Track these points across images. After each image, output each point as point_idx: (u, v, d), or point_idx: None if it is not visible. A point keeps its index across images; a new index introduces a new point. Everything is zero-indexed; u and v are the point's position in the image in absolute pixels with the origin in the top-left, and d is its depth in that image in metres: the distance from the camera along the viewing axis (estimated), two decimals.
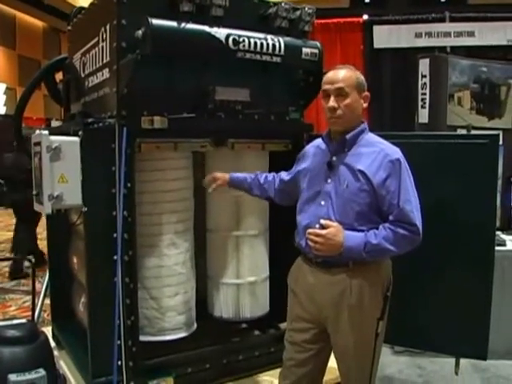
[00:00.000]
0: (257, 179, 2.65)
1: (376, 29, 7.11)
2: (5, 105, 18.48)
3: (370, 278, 2.20)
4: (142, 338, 2.83)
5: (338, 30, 7.20)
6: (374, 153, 2.17)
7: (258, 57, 2.80)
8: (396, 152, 2.19)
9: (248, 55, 2.77)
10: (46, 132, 2.61)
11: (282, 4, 2.97)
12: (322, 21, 6.84)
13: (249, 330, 3.35)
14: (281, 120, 3.12)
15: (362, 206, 2.13)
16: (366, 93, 2.27)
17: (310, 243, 2.16)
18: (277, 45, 2.86)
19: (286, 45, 2.90)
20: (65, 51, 3.79)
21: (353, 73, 2.23)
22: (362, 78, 2.25)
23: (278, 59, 2.88)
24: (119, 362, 2.63)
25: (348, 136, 2.21)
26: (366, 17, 7.28)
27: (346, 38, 7.23)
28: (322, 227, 2.14)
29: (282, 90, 3.14)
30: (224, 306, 3.24)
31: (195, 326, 3.17)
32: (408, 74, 6.77)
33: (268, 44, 2.83)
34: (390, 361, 3.98)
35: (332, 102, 2.19)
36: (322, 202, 2.21)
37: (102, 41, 2.83)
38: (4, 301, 5.52)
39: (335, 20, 7.17)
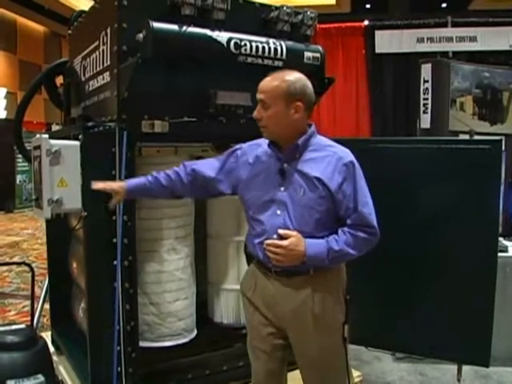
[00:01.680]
0: (157, 182, 2.35)
1: (378, 34, 7.12)
2: (5, 109, 18.51)
3: (330, 283, 2.17)
4: (142, 344, 2.81)
5: (339, 34, 7.22)
6: (328, 157, 2.10)
7: (259, 61, 2.79)
8: (348, 154, 2.12)
9: (250, 59, 2.76)
10: (46, 136, 2.59)
11: (284, 8, 2.96)
12: (324, 25, 6.85)
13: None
14: None
15: (320, 213, 2.07)
16: (298, 103, 2.09)
17: (269, 254, 2.07)
18: (279, 49, 2.85)
19: (287, 49, 2.89)
20: (65, 56, 3.78)
21: (282, 82, 2.08)
22: (295, 86, 2.09)
23: (280, 63, 2.86)
24: (119, 369, 2.60)
25: (300, 141, 2.11)
26: (367, 22, 7.29)
27: (347, 43, 7.25)
28: (281, 238, 2.07)
29: None
30: (225, 312, 3.22)
31: (195, 331, 3.15)
32: (410, 79, 6.79)
33: (270, 48, 2.82)
34: (391, 367, 3.96)
35: (254, 112, 2.16)
36: (278, 212, 2.11)
37: (103, 44, 2.82)
38: (3, 305, 5.50)
39: (337, 25, 7.18)
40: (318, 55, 3.03)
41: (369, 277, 3.16)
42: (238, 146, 2.34)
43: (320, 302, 2.13)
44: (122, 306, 2.61)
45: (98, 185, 2.34)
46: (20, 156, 10.35)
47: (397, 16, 7.92)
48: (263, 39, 2.82)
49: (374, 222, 2.10)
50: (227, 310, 3.22)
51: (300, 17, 3.03)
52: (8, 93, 18.93)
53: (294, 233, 2.05)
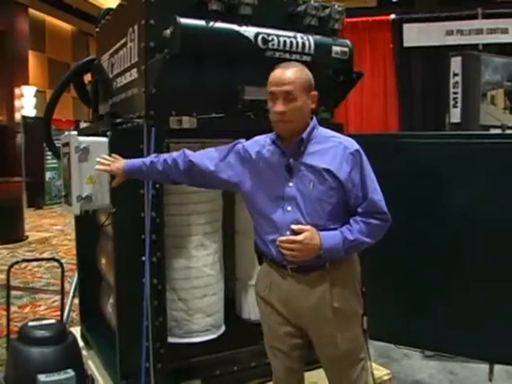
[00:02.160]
0: (154, 167, 2.37)
1: (406, 27, 7.02)
2: (35, 107, 18.80)
3: (346, 275, 2.15)
4: (170, 340, 2.82)
5: (366, 28, 7.14)
6: (333, 147, 2.08)
7: (287, 55, 2.76)
8: (353, 143, 2.11)
9: (277, 54, 2.74)
10: (75, 133, 2.61)
11: (312, 2, 2.93)
12: (351, 19, 6.77)
13: None
14: None
15: (332, 205, 2.04)
16: (314, 92, 2.11)
17: (284, 251, 2.04)
18: (306, 43, 2.82)
19: (315, 43, 2.86)
20: (93, 54, 3.81)
21: (302, 72, 2.09)
22: (309, 76, 2.11)
23: (308, 58, 2.83)
24: (147, 364, 2.61)
25: (304, 135, 2.09)
26: (394, 15, 7.19)
27: (375, 37, 7.16)
28: (295, 233, 2.03)
29: None
30: (252, 308, 3.21)
31: (223, 327, 3.15)
32: (439, 73, 6.68)
33: (297, 42, 2.79)
34: (420, 365, 3.91)
35: (280, 107, 2.04)
36: (289, 208, 2.07)
37: (130, 41, 2.83)
38: (34, 300, 5.59)
39: (364, 19, 7.09)
40: (346, 49, 2.99)
41: (399, 273, 3.13)
42: (238, 141, 2.32)
43: (338, 295, 2.11)
44: (151, 302, 2.62)
45: (100, 167, 2.47)
46: (49, 153, 10.50)
47: (424, 9, 7.78)
48: (291, 34, 2.79)
49: (385, 208, 2.08)
50: (255, 306, 3.19)
51: (327, 11, 2.99)
52: (37, 91, 19.22)
53: (308, 227, 2.02)
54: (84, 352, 3.34)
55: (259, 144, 2.24)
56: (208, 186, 2.56)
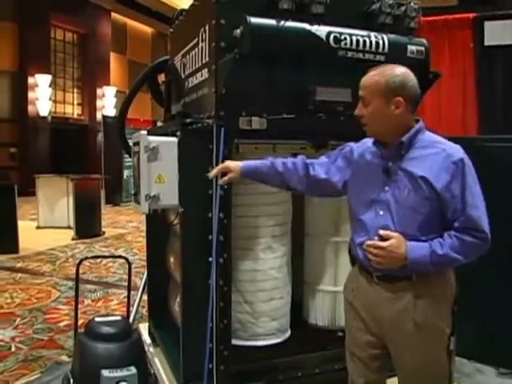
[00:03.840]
0: (274, 168, 2.32)
1: (487, 25, 6.71)
2: (115, 107, 19.50)
3: (435, 291, 2.03)
4: (234, 342, 2.80)
5: (445, 27, 6.88)
6: (435, 154, 1.97)
7: (360, 55, 2.69)
8: (459, 151, 1.97)
9: (350, 53, 2.67)
10: (145, 132, 2.64)
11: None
12: (429, 18, 6.55)
13: (344, 339, 3.23)
14: None
15: (425, 216, 1.95)
16: (399, 98, 1.98)
17: (369, 256, 2.00)
18: (380, 42, 2.74)
19: (390, 42, 2.77)
20: None
21: (380, 76, 2.01)
22: (394, 80, 1.99)
23: (382, 57, 2.74)
24: (210, 365, 2.60)
25: (404, 138, 2.00)
26: (475, 13, 6.90)
27: (454, 36, 6.89)
28: (382, 239, 1.97)
29: None
30: (320, 314, 3.16)
31: (289, 332, 3.10)
32: None
33: (371, 42, 2.71)
34: (495, 382, 3.67)
35: (356, 110, 2.10)
36: (381, 212, 2.03)
37: (202, 41, 2.83)
38: (107, 295, 5.75)
39: (443, 17, 6.85)
40: (422, 49, 2.88)
41: (477, 284, 2.99)
42: (346, 145, 2.32)
43: (422, 309, 2.01)
44: (216, 303, 2.61)
45: (213, 173, 2.41)
46: None
47: (508, 5, 7.42)
48: (364, 33, 2.72)
49: (484, 226, 1.93)
50: (322, 311, 3.15)
51: (403, 8, 2.90)
52: (118, 91, 19.91)
53: (395, 234, 1.96)
54: (151, 349, 3.40)
55: (365, 145, 2.23)
56: (323, 195, 2.52)
